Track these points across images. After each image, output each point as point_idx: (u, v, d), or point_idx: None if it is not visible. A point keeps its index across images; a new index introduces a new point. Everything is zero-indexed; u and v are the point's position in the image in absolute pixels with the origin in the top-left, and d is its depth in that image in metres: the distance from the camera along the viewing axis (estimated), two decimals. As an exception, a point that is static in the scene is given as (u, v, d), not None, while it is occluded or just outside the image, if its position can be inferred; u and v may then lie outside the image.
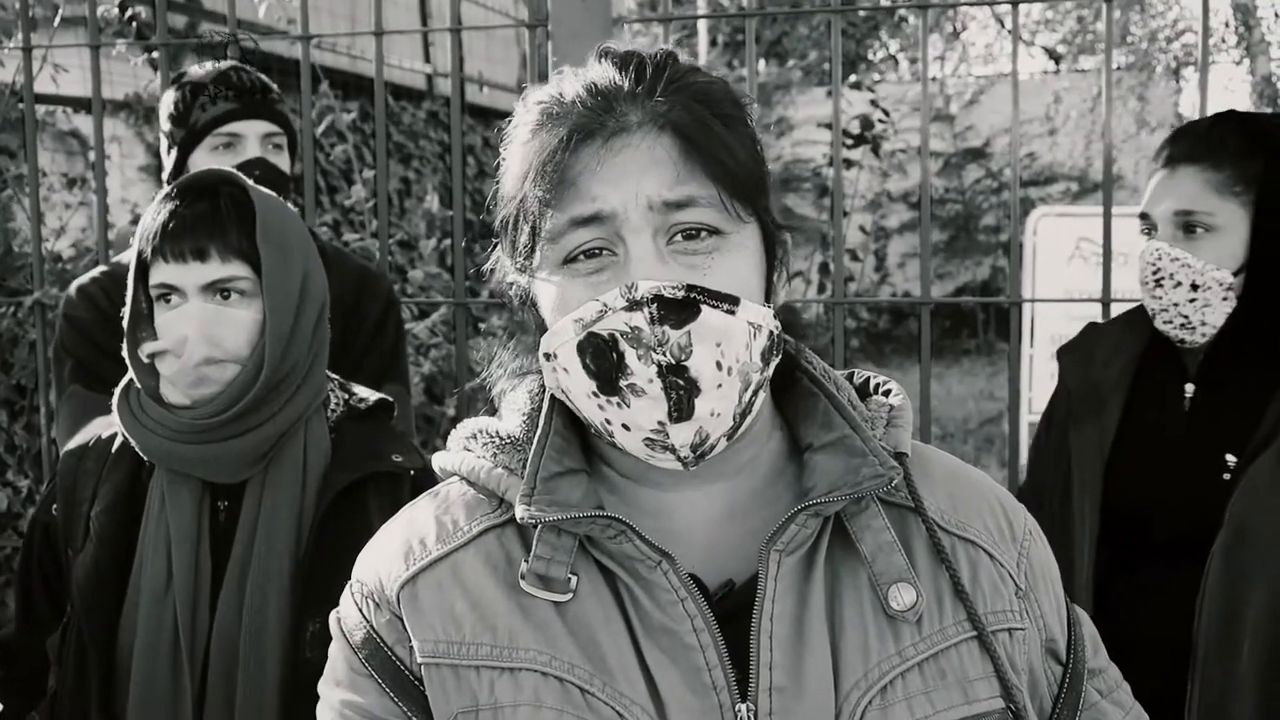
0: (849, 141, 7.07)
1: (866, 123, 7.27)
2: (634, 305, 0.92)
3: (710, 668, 0.94)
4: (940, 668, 0.98)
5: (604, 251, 0.96)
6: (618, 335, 0.93)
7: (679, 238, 0.95)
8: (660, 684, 0.94)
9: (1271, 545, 1.65)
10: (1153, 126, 12.05)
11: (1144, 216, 1.97)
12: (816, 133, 10.91)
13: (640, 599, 0.96)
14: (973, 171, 12.58)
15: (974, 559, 1.04)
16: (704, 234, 0.95)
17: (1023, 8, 3.30)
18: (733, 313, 0.94)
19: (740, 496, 1.04)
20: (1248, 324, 1.88)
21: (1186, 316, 1.90)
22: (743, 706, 0.94)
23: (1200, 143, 1.92)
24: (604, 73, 0.99)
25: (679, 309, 0.92)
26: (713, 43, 13.17)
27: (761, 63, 13.66)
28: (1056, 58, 17.52)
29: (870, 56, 17.29)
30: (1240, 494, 1.71)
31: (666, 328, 0.92)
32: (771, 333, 0.98)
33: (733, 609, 0.97)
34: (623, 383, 0.94)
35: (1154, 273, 1.91)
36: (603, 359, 0.94)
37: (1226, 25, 11.48)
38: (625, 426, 0.96)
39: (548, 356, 0.99)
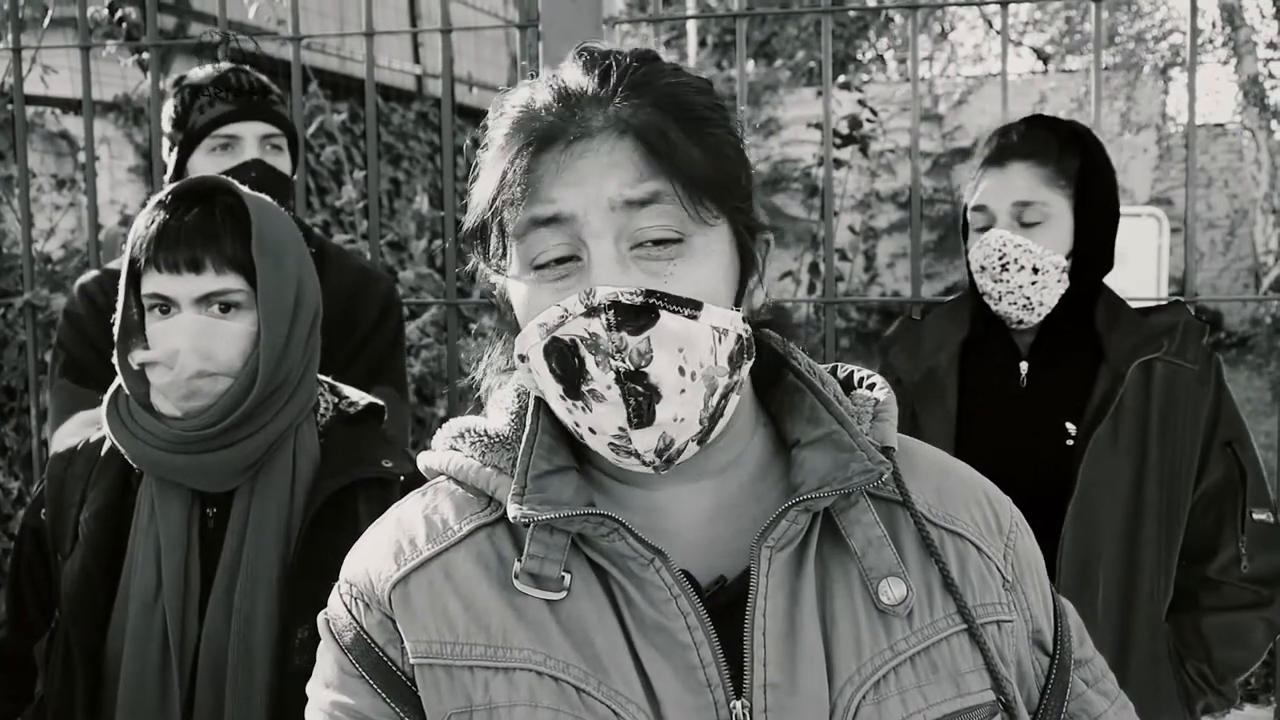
0: (837, 141, 7.06)
1: (855, 122, 7.25)
2: (591, 311, 0.92)
3: (704, 665, 0.94)
4: (932, 661, 0.98)
5: (572, 258, 0.95)
6: (578, 341, 0.93)
7: (647, 244, 0.94)
8: (655, 682, 0.94)
9: (1113, 503, 2.02)
10: (1139, 126, 12.09)
11: (981, 209, 2.13)
12: (805, 133, 10.89)
13: (633, 597, 0.96)
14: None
15: (962, 552, 1.04)
16: (670, 242, 0.95)
17: (1011, 8, 3.30)
18: (694, 318, 0.93)
19: (729, 493, 1.04)
20: (1074, 303, 2.10)
21: (1029, 298, 2.08)
22: (737, 704, 0.93)
23: (1025, 142, 2.12)
24: (572, 75, 0.98)
25: (636, 315, 0.92)
26: (702, 43, 13.19)
27: (750, 63, 13.67)
28: (1044, 58, 17.60)
29: (859, 57, 17.33)
30: (1088, 461, 2.00)
31: (624, 334, 0.92)
32: (740, 336, 0.97)
33: (724, 605, 0.97)
34: (584, 388, 0.94)
35: (1000, 259, 2.08)
36: (566, 364, 0.94)
37: (1214, 26, 11.51)
38: (591, 430, 0.97)
39: (522, 358, 0.99)
